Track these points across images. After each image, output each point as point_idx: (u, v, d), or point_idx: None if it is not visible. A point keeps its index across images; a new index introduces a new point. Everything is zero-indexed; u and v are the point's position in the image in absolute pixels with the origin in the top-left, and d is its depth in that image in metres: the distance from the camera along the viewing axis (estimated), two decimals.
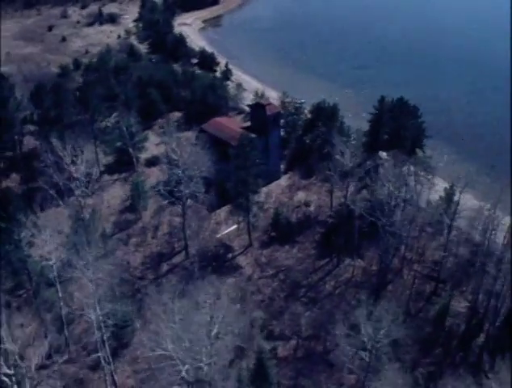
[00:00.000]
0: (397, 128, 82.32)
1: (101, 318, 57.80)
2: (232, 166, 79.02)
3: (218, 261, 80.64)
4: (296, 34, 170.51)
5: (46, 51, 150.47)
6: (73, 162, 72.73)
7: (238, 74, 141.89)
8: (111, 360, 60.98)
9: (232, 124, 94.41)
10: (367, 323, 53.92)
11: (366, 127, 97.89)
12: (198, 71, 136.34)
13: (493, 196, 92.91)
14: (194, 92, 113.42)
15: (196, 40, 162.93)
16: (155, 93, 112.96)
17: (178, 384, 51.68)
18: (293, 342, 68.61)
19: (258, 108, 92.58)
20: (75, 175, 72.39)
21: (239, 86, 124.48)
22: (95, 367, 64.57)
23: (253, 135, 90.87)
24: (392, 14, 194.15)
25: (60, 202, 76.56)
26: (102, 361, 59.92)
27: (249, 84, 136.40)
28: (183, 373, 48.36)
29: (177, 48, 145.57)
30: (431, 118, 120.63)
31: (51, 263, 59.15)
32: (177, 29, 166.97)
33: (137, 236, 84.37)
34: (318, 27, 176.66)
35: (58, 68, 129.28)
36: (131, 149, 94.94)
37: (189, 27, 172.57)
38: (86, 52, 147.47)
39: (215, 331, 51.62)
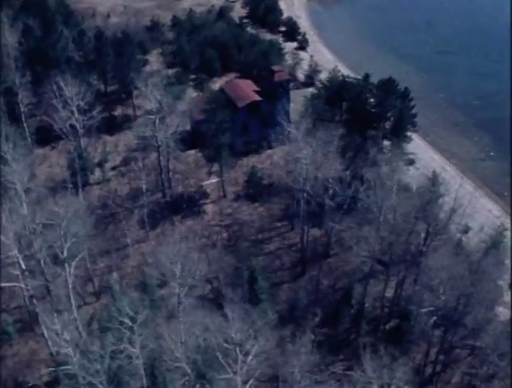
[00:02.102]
0: (376, 107, 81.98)
1: None
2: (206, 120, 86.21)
3: (189, 204, 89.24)
4: (401, 13, 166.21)
5: (158, 7, 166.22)
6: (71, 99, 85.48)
7: (317, 46, 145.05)
8: None
9: (247, 87, 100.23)
10: None
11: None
12: (280, 39, 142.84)
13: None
14: (247, 56, 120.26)
15: (297, 10, 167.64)
16: (212, 52, 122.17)
17: None
18: (209, 286, 75.15)
19: (268, 74, 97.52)
20: (72, 109, 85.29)
21: (295, 55, 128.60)
22: None
23: (259, 98, 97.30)
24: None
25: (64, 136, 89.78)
26: None
27: (322, 56, 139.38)
28: None
29: (267, 14, 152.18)
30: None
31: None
32: None
33: (136, 172, 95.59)
34: (426, 7, 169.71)
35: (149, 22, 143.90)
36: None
37: None
38: (190, 10, 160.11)
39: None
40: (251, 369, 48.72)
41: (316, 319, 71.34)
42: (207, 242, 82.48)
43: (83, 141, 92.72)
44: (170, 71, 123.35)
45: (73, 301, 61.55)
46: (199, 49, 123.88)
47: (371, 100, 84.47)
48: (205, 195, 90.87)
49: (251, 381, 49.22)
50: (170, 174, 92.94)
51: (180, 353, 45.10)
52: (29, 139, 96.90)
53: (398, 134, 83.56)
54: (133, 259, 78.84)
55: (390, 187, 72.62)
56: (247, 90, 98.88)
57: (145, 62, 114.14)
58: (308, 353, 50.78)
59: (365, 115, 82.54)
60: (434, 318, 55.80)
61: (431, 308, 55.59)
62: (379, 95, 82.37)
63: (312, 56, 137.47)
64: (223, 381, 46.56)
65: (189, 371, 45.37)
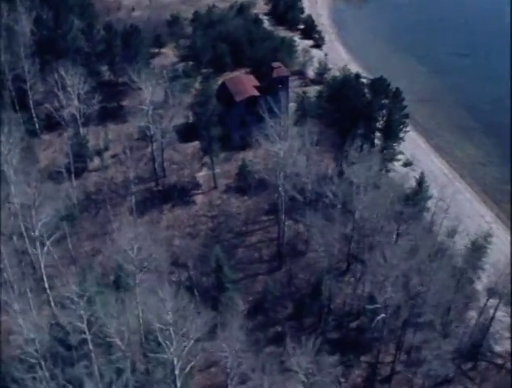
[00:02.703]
0: (365, 107, 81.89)
1: None
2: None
3: (180, 194, 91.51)
4: (427, 13, 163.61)
5: (182, 2, 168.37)
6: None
7: (334, 44, 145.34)
8: None
9: (248, 82, 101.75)
10: None
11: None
12: (297, 37, 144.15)
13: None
14: (257, 52, 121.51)
15: (319, 8, 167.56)
16: (224, 47, 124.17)
17: None
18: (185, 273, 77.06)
19: (268, 70, 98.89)
20: (72, 97, 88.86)
21: (306, 52, 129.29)
22: None
23: (257, 93, 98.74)
24: None
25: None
26: None
27: (338, 54, 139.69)
28: None
29: (287, 12, 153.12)
30: None
31: None
32: None
33: (134, 160, 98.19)
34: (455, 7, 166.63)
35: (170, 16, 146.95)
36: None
37: None
38: (213, 6, 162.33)
39: None
40: (192, 354, 50.60)
41: (286, 312, 72.54)
42: (192, 230, 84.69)
43: (84, 130, 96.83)
44: (183, 64, 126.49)
45: (45, 279, 64.62)
46: (212, 44, 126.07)
47: (363, 99, 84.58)
48: (197, 186, 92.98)
49: (192, 364, 51.14)
50: (166, 164, 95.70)
51: (113, 329, 47.36)
52: (37, 125, 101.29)
53: (388, 134, 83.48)
54: (117, 244, 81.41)
55: (362, 186, 72.95)
56: (247, 85, 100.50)
57: (154, 55, 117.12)
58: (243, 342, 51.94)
59: (353, 113, 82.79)
60: (382, 315, 56.33)
61: (378, 305, 56.11)
62: (369, 95, 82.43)
63: (326, 55, 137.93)
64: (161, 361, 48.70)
65: (123, 347, 47.64)
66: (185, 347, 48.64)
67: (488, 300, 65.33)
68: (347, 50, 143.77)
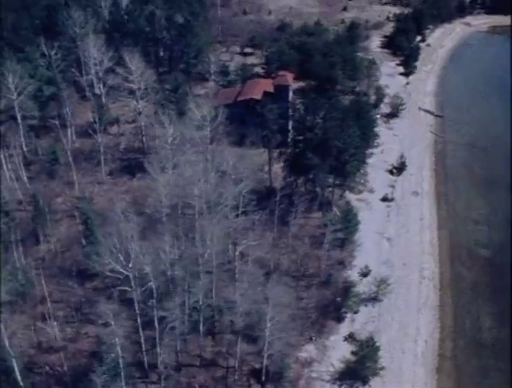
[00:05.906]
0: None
1: None
2: None
3: None
4: None
5: (320, 13, 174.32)
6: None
7: (428, 76, 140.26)
8: None
9: (260, 86, 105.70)
10: None
11: None
12: (395, 62, 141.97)
13: None
14: (317, 65, 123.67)
15: (449, 39, 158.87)
16: (294, 56, 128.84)
17: None
18: None
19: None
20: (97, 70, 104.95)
21: (376, 77, 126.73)
22: None
23: (258, 98, 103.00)
24: None
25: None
26: None
27: (422, 86, 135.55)
28: None
29: (396, 36, 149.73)
30: None
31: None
32: (449, 26, 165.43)
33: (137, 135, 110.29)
34: None
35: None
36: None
37: (466, 27, 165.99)
38: (342, 21, 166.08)
39: None
40: None
41: None
42: (138, 200, 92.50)
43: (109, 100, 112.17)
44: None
45: None
46: (288, 52, 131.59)
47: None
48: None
49: None
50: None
51: None
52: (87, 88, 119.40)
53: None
54: (76, 191, 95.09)
55: None
56: (256, 88, 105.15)
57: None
58: None
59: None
60: None
61: None
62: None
63: (407, 83, 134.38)
64: None
65: None
66: None
67: None
68: (438, 84, 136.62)
